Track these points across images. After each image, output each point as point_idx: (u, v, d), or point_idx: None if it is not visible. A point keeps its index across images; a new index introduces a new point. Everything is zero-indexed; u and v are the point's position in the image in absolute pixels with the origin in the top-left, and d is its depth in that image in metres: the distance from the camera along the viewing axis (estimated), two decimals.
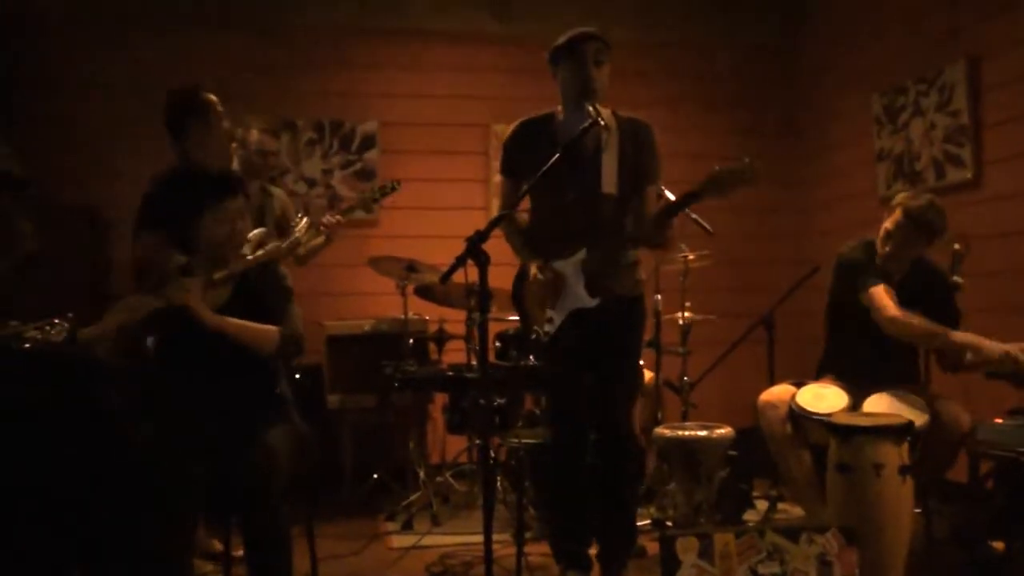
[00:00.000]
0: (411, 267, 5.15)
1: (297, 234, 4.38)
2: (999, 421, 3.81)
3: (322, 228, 4.79)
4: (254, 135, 4.81)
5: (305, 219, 4.52)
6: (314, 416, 3.56)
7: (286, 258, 4.21)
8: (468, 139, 6.40)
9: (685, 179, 3.41)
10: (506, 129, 3.72)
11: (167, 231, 3.48)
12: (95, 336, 3.06)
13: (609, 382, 3.59)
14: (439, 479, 5.27)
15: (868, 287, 3.90)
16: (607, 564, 3.61)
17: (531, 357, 4.56)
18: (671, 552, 2.83)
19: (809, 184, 6.75)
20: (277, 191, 4.99)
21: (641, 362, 4.01)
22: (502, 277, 3.65)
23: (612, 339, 3.56)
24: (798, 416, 3.90)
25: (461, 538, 4.50)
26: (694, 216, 4.69)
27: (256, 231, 3.54)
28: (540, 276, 3.47)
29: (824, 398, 3.91)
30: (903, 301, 3.87)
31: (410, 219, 6.11)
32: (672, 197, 3.70)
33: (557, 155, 3.21)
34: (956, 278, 3.99)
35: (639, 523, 4.02)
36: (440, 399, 5.68)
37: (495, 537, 2.92)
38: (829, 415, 3.65)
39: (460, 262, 2.87)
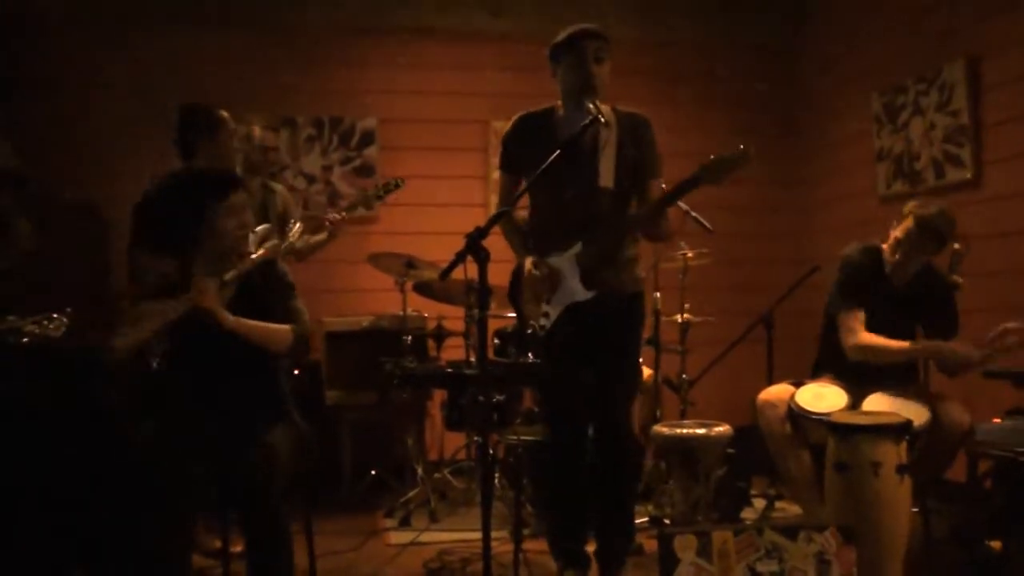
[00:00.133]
0: (410, 264, 5.15)
1: (291, 239, 4.39)
2: (998, 421, 3.82)
3: (327, 224, 4.80)
4: (256, 131, 4.82)
5: (298, 224, 4.53)
6: (313, 413, 3.56)
7: (286, 256, 4.23)
8: (467, 136, 6.40)
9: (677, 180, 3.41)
10: (505, 126, 3.72)
11: (166, 236, 3.47)
12: (133, 345, 3.06)
13: (608, 381, 3.58)
14: (437, 476, 5.27)
15: (840, 312, 3.95)
16: (605, 562, 3.61)
17: (530, 354, 4.56)
18: (669, 550, 2.83)
19: (809, 183, 6.75)
20: (278, 187, 5.00)
21: (640, 360, 4.01)
22: (502, 274, 3.65)
23: (610, 337, 3.56)
24: (797, 416, 3.90)
25: (459, 535, 4.50)
26: (694, 214, 4.69)
27: (261, 227, 3.54)
28: (535, 271, 3.47)
29: (824, 397, 3.91)
30: (905, 307, 3.89)
31: (409, 216, 6.11)
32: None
33: (557, 153, 3.20)
34: (955, 278, 3.99)
35: (637, 521, 4.02)
36: (439, 396, 5.68)
37: (493, 534, 2.91)
38: (828, 414, 3.65)
39: (460, 259, 2.87)
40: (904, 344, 3.85)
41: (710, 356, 5.27)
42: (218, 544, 3.75)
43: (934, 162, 5.38)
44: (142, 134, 5.00)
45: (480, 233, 2.87)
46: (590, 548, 3.66)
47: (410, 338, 5.24)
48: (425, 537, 4.51)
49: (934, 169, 5.38)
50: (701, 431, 4.52)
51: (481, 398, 3.68)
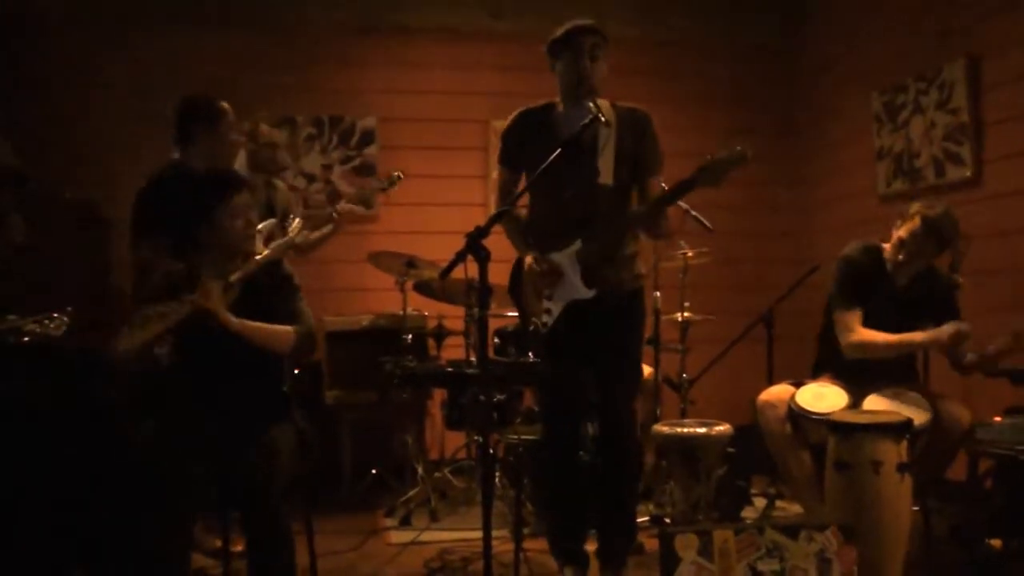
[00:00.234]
0: (410, 263, 5.14)
1: (290, 234, 4.39)
2: (998, 420, 3.82)
3: (334, 216, 4.81)
4: (263, 128, 4.82)
5: (298, 220, 4.53)
6: (313, 412, 3.57)
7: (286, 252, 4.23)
8: (467, 135, 6.40)
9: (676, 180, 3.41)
10: (505, 125, 3.72)
11: (170, 236, 3.47)
12: (136, 348, 3.06)
13: (609, 380, 3.58)
14: (438, 475, 5.26)
15: (840, 310, 3.95)
16: (606, 561, 3.61)
17: (530, 354, 4.56)
18: (670, 549, 2.83)
19: (809, 182, 6.75)
20: (280, 184, 5.01)
21: (641, 359, 4.01)
22: (502, 273, 3.65)
23: (611, 337, 3.56)
24: (797, 416, 3.90)
25: (459, 534, 4.50)
26: (694, 214, 4.69)
27: (266, 223, 3.53)
28: (536, 267, 3.47)
29: (824, 397, 3.91)
30: (905, 306, 3.90)
31: (409, 215, 6.11)
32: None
33: (557, 152, 3.20)
34: (956, 276, 3.99)
35: (638, 520, 4.02)
36: (439, 395, 5.68)
37: (493, 533, 2.91)
38: (829, 414, 3.65)
39: (460, 258, 2.87)
40: (901, 336, 3.85)
41: (710, 355, 5.27)
42: (219, 543, 3.75)
43: (934, 160, 5.38)
44: (142, 134, 5.00)
45: (480, 232, 2.87)
46: (591, 547, 3.66)
47: (410, 337, 5.24)
48: (426, 536, 4.51)
49: (934, 167, 5.38)
50: (702, 430, 4.52)
51: (482, 397, 3.68)
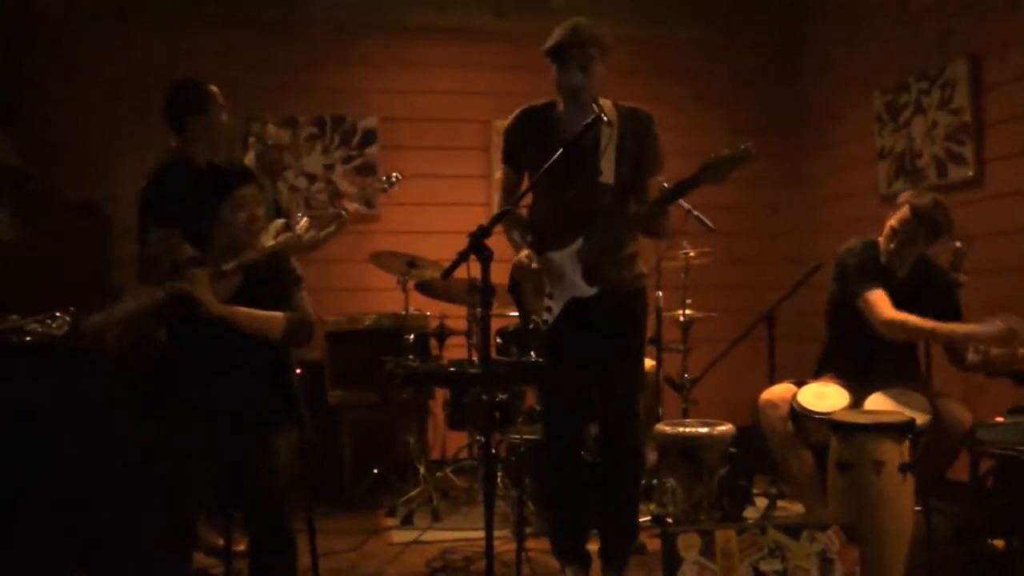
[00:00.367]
0: (412, 263, 5.14)
1: (298, 232, 4.41)
2: (1000, 420, 3.82)
3: (342, 214, 4.82)
4: (271, 130, 4.84)
5: (305, 219, 4.55)
6: (315, 412, 3.56)
7: (295, 253, 4.23)
8: (469, 135, 6.40)
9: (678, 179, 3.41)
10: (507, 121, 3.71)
11: (178, 225, 3.47)
12: (99, 324, 3.04)
13: (610, 381, 3.58)
14: (439, 475, 5.27)
15: (863, 292, 3.91)
16: (607, 560, 3.61)
17: (532, 353, 4.55)
18: (673, 549, 2.83)
19: (811, 182, 6.75)
20: (282, 186, 5.02)
21: (643, 358, 4.01)
22: (504, 273, 3.64)
23: (613, 336, 3.55)
24: (799, 415, 3.90)
25: (461, 534, 4.51)
26: (696, 213, 4.69)
27: (277, 221, 3.53)
28: (525, 261, 3.47)
29: (825, 397, 3.90)
30: (906, 299, 3.88)
31: (411, 215, 6.11)
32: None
33: (560, 152, 3.19)
34: (957, 275, 3.99)
35: (639, 520, 4.01)
36: (441, 395, 5.67)
37: (495, 533, 2.91)
38: (830, 413, 3.65)
39: (463, 257, 2.86)
40: (936, 324, 3.80)
41: (712, 355, 5.27)
42: (221, 543, 3.76)
43: (936, 160, 5.38)
44: (142, 133, 4.98)
45: (483, 232, 2.86)
46: (593, 547, 3.66)
47: (412, 337, 5.23)
48: (427, 536, 4.51)
49: (936, 167, 5.37)
50: (703, 430, 4.52)
51: (484, 397, 3.68)
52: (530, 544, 4.00)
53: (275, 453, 3.02)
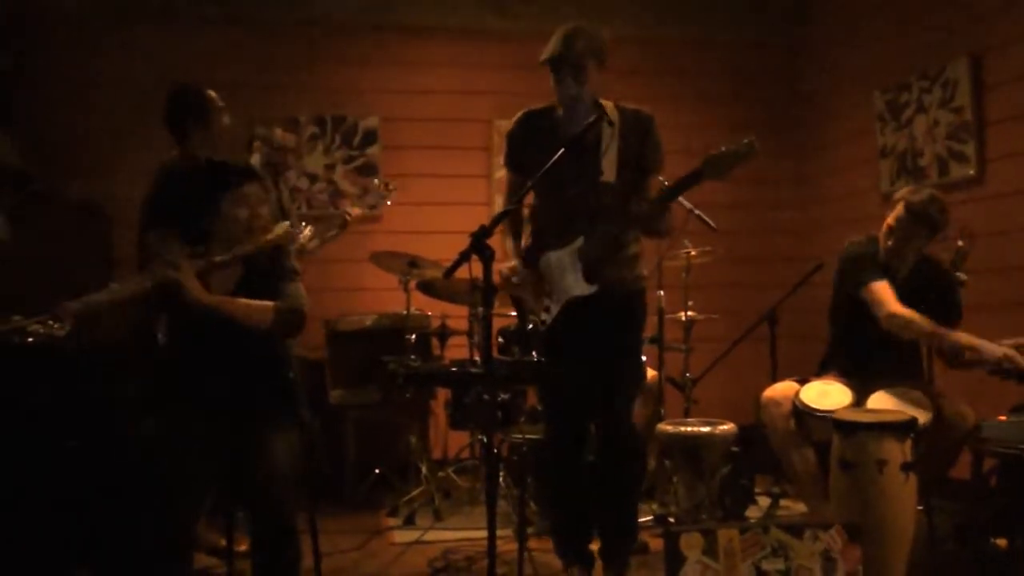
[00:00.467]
0: (413, 263, 5.14)
1: (302, 241, 4.43)
2: (1003, 418, 3.80)
3: (347, 218, 4.84)
4: (278, 133, 4.85)
5: (309, 228, 4.56)
6: (316, 412, 3.56)
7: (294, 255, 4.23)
8: (470, 135, 6.40)
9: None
10: (508, 125, 3.71)
11: (179, 224, 3.46)
12: (77, 310, 3.02)
13: (610, 380, 3.57)
14: (441, 474, 5.27)
15: (868, 283, 3.90)
16: (609, 560, 3.61)
17: (534, 353, 4.56)
18: (675, 548, 2.83)
19: (812, 181, 6.74)
20: (282, 186, 5.02)
21: (644, 358, 4.01)
22: None
23: (612, 335, 3.55)
24: (802, 413, 3.90)
25: (463, 533, 4.52)
26: (697, 212, 4.68)
27: (283, 223, 3.52)
28: (505, 272, 3.47)
29: (828, 395, 3.90)
30: (906, 297, 3.87)
31: (412, 214, 6.10)
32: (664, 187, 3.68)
33: (561, 152, 3.20)
34: (959, 274, 3.99)
35: (641, 519, 4.01)
36: (442, 394, 5.67)
37: (497, 533, 2.90)
38: (833, 412, 3.65)
39: (465, 257, 2.86)
40: (941, 328, 3.78)
41: (714, 354, 5.26)
42: (223, 543, 3.75)
43: (938, 159, 5.37)
44: (143, 133, 4.98)
45: (485, 232, 2.86)
46: (595, 546, 3.66)
47: (414, 337, 5.23)
48: (429, 536, 4.51)
49: (938, 166, 5.37)
50: (705, 429, 4.52)
51: (486, 397, 3.67)
52: (532, 544, 4.00)
53: (274, 452, 3.01)
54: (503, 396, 4.96)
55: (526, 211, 3.73)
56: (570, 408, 3.65)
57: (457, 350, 5.49)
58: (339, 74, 6.25)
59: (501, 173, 3.79)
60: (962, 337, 3.79)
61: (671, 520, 4.50)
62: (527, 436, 4.36)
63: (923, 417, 3.59)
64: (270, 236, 3.26)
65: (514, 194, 3.63)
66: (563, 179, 3.42)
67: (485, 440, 4.93)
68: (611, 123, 3.45)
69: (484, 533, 2.89)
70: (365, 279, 5.86)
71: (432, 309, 5.57)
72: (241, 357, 3.15)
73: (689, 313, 5.24)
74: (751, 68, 6.80)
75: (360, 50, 6.30)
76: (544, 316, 3.53)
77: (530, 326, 3.58)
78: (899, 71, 5.69)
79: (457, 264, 2.88)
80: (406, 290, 5.24)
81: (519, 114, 3.68)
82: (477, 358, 4.89)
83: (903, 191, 3.95)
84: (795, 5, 6.87)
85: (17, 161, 5.23)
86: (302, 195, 6.09)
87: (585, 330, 3.50)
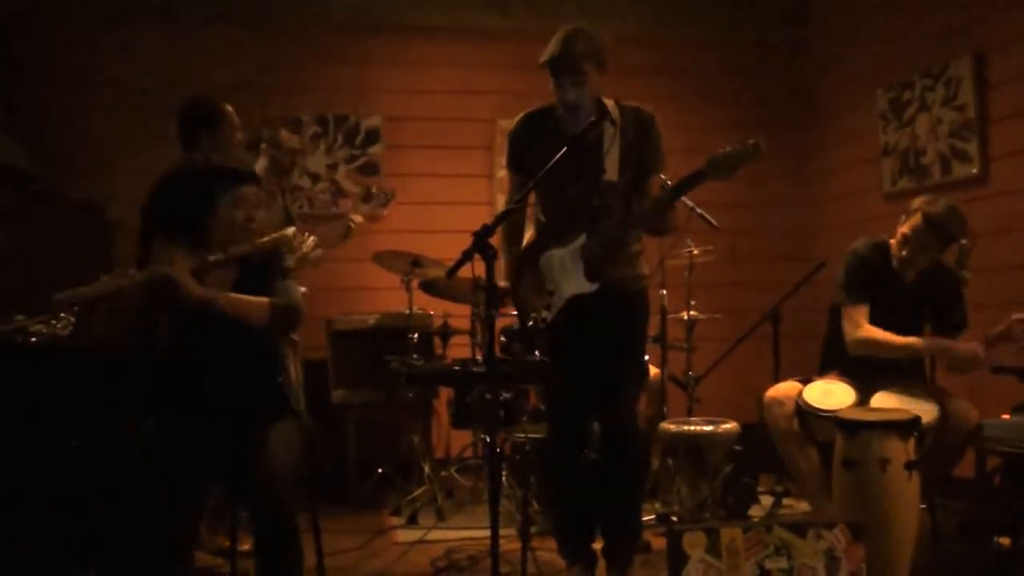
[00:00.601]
0: (415, 262, 5.15)
1: (304, 251, 4.45)
2: (1006, 417, 3.81)
3: (351, 226, 4.86)
4: (284, 135, 4.86)
5: (312, 238, 4.57)
6: (318, 411, 3.57)
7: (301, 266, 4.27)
8: (472, 134, 6.40)
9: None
10: (511, 124, 3.70)
11: (178, 227, 3.47)
12: (72, 299, 3.03)
13: (612, 378, 3.57)
14: (444, 474, 5.27)
15: (848, 304, 3.94)
16: (612, 559, 3.61)
17: (536, 352, 4.55)
18: (678, 547, 2.82)
19: (815, 180, 6.74)
20: (284, 186, 5.03)
21: (646, 357, 4.00)
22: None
23: (614, 335, 3.54)
24: (805, 413, 3.89)
25: (466, 533, 4.51)
26: (700, 211, 4.67)
27: (288, 229, 3.53)
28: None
29: (832, 394, 3.90)
30: (912, 301, 3.89)
31: (414, 214, 6.10)
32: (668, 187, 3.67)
33: (564, 150, 3.19)
34: (963, 273, 3.98)
35: (644, 518, 4.01)
36: (445, 394, 5.67)
37: (500, 532, 2.90)
38: (836, 411, 3.64)
39: (467, 256, 2.86)
40: (907, 340, 3.84)
41: (716, 353, 5.26)
42: (226, 543, 3.75)
43: (941, 157, 5.37)
44: (146, 133, 5.00)
45: (487, 231, 2.86)
46: (598, 545, 3.66)
47: (416, 336, 5.23)
48: (432, 535, 4.51)
49: (940, 164, 5.37)
50: (708, 428, 4.52)
51: (488, 396, 3.67)
52: (535, 543, 4.00)
53: (272, 452, 3.01)
54: (505, 395, 4.95)
55: (528, 211, 3.72)
56: (572, 407, 3.64)
57: (459, 349, 5.49)
58: (341, 74, 6.25)
59: (503, 172, 3.79)
60: (932, 343, 3.84)
61: (674, 519, 4.49)
62: (530, 435, 4.35)
63: (928, 416, 3.59)
64: (266, 239, 3.27)
65: (516, 194, 3.62)
66: (565, 178, 3.41)
67: (488, 439, 4.92)
68: (613, 122, 3.44)
69: (487, 532, 2.88)
70: (367, 279, 5.87)
71: (434, 308, 5.57)
72: (240, 357, 3.16)
73: (691, 312, 5.24)
74: (752, 67, 6.79)
75: (362, 50, 6.30)
76: (545, 314, 3.52)
77: (530, 324, 3.56)
78: (901, 69, 5.69)
79: (459, 263, 2.88)
80: (408, 289, 5.25)
81: (520, 115, 3.67)
82: (479, 357, 4.89)
83: (920, 201, 3.91)
84: (795, 4, 6.86)
85: (19, 161, 5.23)
86: (304, 194, 6.10)
87: (587, 329, 3.50)
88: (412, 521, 4.79)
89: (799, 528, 2.90)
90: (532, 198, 3.57)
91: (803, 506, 4.48)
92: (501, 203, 5.38)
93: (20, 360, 3.26)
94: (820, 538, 2.89)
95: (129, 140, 5.53)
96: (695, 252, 5.17)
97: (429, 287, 5.32)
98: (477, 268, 2.94)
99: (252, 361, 3.20)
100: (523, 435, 4.45)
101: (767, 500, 4.89)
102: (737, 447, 4.59)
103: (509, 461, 4.96)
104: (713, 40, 6.74)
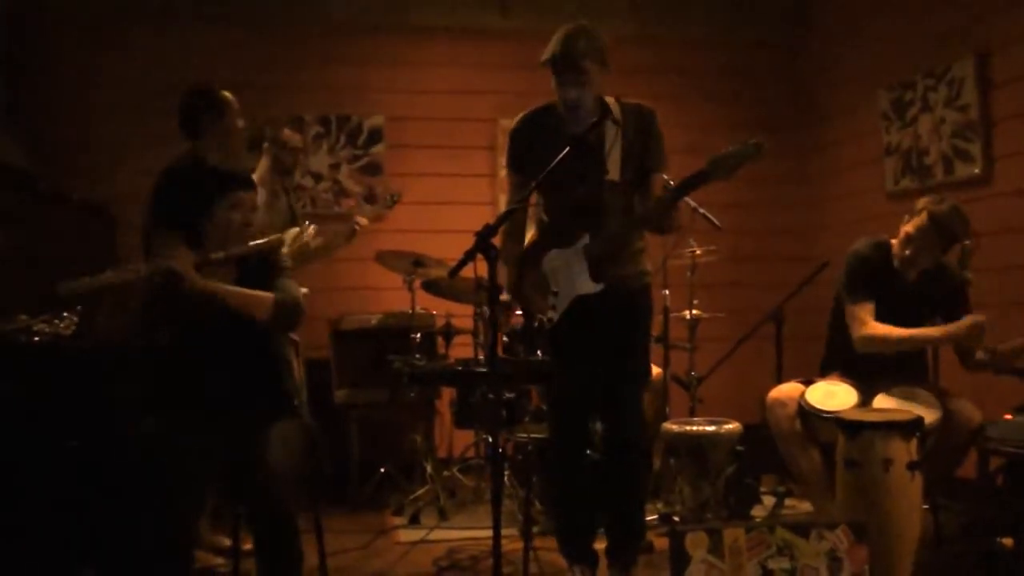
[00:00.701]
0: (418, 262, 5.15)
1: (305, 239, 4.46)
2: (1009, 418, 3.80)
3: (356, 228, 4.88)
4: (287, 133, 4.87)
5: (313, 226, 4.58)
6: (321, 411, 3.57)
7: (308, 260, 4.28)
8: (474, 134, 6.41)
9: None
10: (511, 124, 3.68)
11: (179, 225, 3.49)
12: (79, 289, 3.05)
13: (615, 379, 3.57)
14: (446, 474, 5.27)
15: (852, 303, 3.93)
16: (614, 559, 3.61)
17: (539, 352, 4.55)
18: (681, 547, 2.82)
19: (817, 180, 6.73)
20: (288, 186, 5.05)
21: (649, 356, 4.00)
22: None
23: (617, 334, 3.54)
24: (807, 414, 3.88)
25: (469, 532, 4.51)
26: (703, 211, 4.67)
27: (292, 230, 3.55)
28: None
29: (834, 395, 3.89)
30: (915, 301, 3.88)
31: (417, 214, 6.10)
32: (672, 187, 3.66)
33: (567, 149, 3.19)
34: (966, 273, 3.97)
35: (647, 518, 4.01)
36: (447, 394, 5.68)
37: (502, 532, 2.91)
38: (838, 412, 3.64)
39: (469, 256, 2.86)
40: (912, 331, 3.83)
41: (719, 353, 5.26)
42: (228, 542, 3.76)
43: (943, 157, 5.36)
44: (146, 133, 5.01)
45: (490, 231, 2.86)
46: (600, 545, 3.66)
47: (419, 336, 5.23)
48: (435, 535, 4.51)
49: (943, 164, 5.36)
50: (710, 428, 4.52)
51: (491, 396, 3.67)
52: (537, 543, 4.01)
53: (273, 451, 3.02)
54: (508, 395, 4.96)
55: (530, 211, 3.71)
56: (574, 407, 3.64)
57: (462, 349, 5.49)
58: (343, 74, 6.26)
59: (505, 172, 3.77)
60: (932, 332, 3.84)
61: (676, 519, 4.49)
62: (532, 435, 4.35)
63: (929, 416, 3.58)
64: (263, 241, 3.29)
65: (517, 194, 3.61)
66: (568, 178, 3.40)
67: (490, 439, 4.92)
68: (616, 121, 3.44)
69: (489, 532, 2.89)
70: (370, 278, 5.87)
71: (437, 308, 5.57)
72: (241, 356, 3.17)
73: (694, 312, 5.23)
74: (753, 67, 6.79)
75: (364, 50, 6.31)
76: (551, 314, 3.52)
77: (536, 324, 3.56)
78: (904, 69, 5.68)
79: (462, 263, 2.88)
80: (411, 289, 5.25)
81: (520, 115, 3.65)
82: (482, 357, 4.89)
83: (924, 200, 3.91)
84: (795, 4, 6.86)
85: (21, 161, 5.23)
86: (306, 194, 6.11)
87: (590, 328, 3.49)
88: (414, 521, 4.79)
89: (802, 529, 2.90)
90: (534, 198, 3.57)
91: (805, 507, 4.47)
92: (503, 203, 5.38)
93: (22, 359, 3.26)
94: (823, 539, 2.89)
95: (129, 140, 5.53)
96: (698, 252, 5.17)
97: (431, 287, 5.32)
98: (479, 268, 2.94)
99: (253, 361, 3.22)
100: (525, 435, 4.45)
101: (769, 501, 4.89)
102: (739, 447, 4.59)
103: (511, 461, 4.96)
104: (713, 40, 6.74)
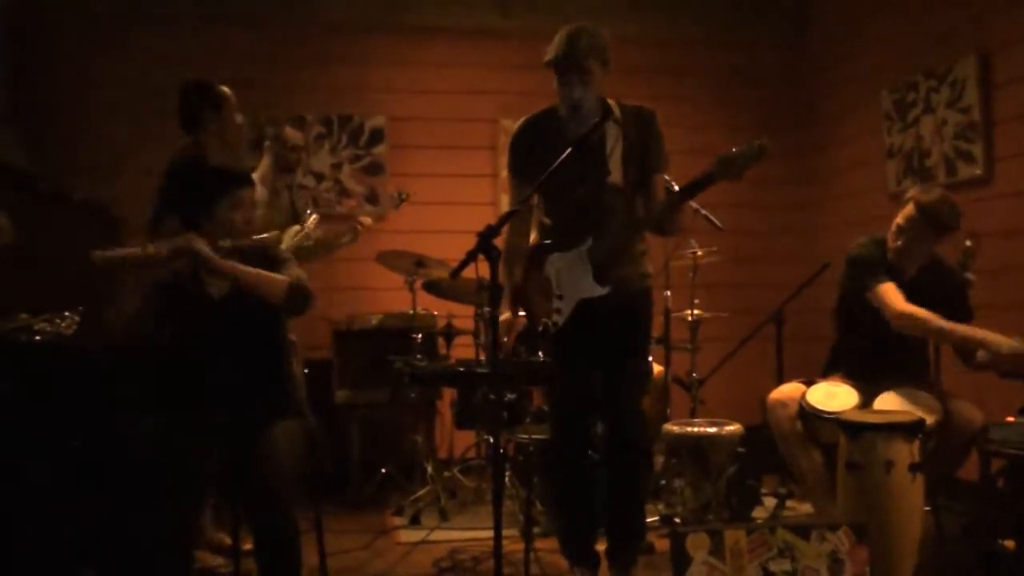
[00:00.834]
0: (419, 262, 5.15)
1: (307, 229, 4.47)
2: (1011, 420, 3.79)
3: (358, 228, 4.89)
4: (287, 131, 4.88)
5: (314, 216, 4.59)
6: (322, 411, 3.56)
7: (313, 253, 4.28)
8: (476, 134, 6.40)
9: (691, 176, 3.38)
10: (514, 124, 3.68)
11: (184, 223, 3.51)
12: (110, 259, 3.19)
13: (616, 380, 3.56)
14: (447, 474, 5.27)
15: (875, 285, 3.87)
16: (615, 560, 3.60)
17: (540, 353, 4.55)
18: (682, 549, 2.82)
19: (819, 181, 6.73)
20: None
21: (650, 358, 3.99)
22: None
23: (619, 336, 3.54)
24: (808, 415, 3.88)
25: (469, 533, 4.51)
26: (704, 212, 4.68)
27: (293, 227, 3.56)
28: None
29: (835, 396, 3.88)
30: (914, 299, 3.85)
31: (418, 214, 6.09)
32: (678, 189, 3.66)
33: (568, 151, 3.18)
34: (968, 275, 3.97)
35: (648, 520, 4.00)
36: (448, 394, 5.68)
37: (503, 533, 2.90)
38: (839, 413, 3.63)
39: (471, 257, 2.86)
40: (951, 324, 3.74)
41: (720, 354, 5.26)
42: (228, 542, 3.75)
43: (945, 159, 5.35)
44: (147, 133, 5.00)
45: (491, 231, 2.86)
46: (601, 547, 3.65)
47: (420, 336, 5.23)
48: (435, 536, 4.50)
49: (945, 165, 5.35)
50: (712, 429, 4.51)
51: (492, 396, 3.66)
52: (538, 544, 4.01)
53: (273, 451, 3.02)
54: (509, 396, 4.95)
55: (531, 212, 3.71)
56: (575, 408, 3.64)
57: (463, 350, 5.49)
58: (345, 74, 6.26)
59: (506, 172, 3.76)
60: (973, 331, 3.77)
61: (677, 520, 4.49)
62: (533, 436, 4.35)
63: (931, 418, 3.58)
64: (266, 236, 3.31)
65: (519, 196, 3.60)
66: (570, 180, 3.40)
67: (491, 440, 4.92)
68: (618, 122, 3.43)
69: (490, 533, 2.88)
70: (371, 279, 5.87)
71: (438, 309, 5.57)
72: (241, 356, 3.17)
73: (696, 312, 5.23)
74: (754, 68, 6.78)
75: (366, 50, 6.31)
76: (556, 318, 3.51)
77: (541, 328, 3.55)
78: (905, 70, 5.67)
79: (463, 264, 2.87)
80: (412, 290, 5.25)
81: (521, 121, 3.64)
82: (483, 358, 4.89)
83: (913, 191, 3.91)
84: (796, 4, 6.86)
85: (21, 161, 5.23)
86: (308, 194, 6.11)
87: (591, 330, 3.49)
88: (415, 521, 4.79)
89: (803, 530, 2.90)
90: (535, 200, 3.57)
91: (806, 508, 4.47)
92: (505, 203, 5.38)
93: (23, 359, 3.26)
94: (824, 540, 2.89)
95: (130, 140, 5.53)
96: (699, 253, 5.16)
97: (433, 287, 5.32)
98: (481, 268, 2.94)
99: (254, 360, 3.22)
100: (526, 436, 4.45)
101: (770, 502, 4.88)
102: (740, 448, 4.59)
103: (512, 462, 4.95)
104: (713, 40, 6.73)
